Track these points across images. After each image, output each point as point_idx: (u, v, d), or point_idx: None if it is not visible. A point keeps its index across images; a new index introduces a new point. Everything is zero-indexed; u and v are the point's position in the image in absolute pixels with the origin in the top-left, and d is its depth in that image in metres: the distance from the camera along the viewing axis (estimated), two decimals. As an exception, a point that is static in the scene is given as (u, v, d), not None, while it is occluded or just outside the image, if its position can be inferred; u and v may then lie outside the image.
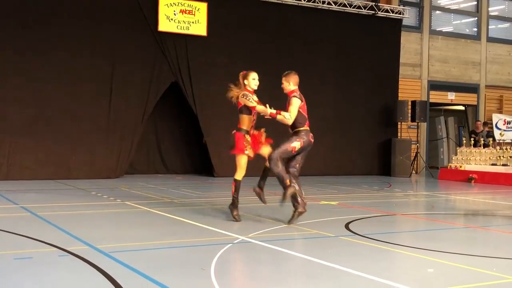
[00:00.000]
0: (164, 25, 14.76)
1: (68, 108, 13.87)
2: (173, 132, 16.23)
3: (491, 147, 16.20)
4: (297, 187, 7.26)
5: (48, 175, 13.47)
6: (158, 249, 5.82)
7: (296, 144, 7.23)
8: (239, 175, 7.42)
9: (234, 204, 7.54)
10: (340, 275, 4.96)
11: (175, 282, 4.56)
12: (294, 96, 7.26)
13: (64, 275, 4.75)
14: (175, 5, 14.89)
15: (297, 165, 7.46)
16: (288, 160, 7.39)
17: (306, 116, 7.36)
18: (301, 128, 7.32)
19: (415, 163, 18.38)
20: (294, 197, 7.26)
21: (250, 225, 7.31)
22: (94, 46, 14.14)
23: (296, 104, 7.22)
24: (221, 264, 5.14)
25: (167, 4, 14.78)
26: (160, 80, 14.88)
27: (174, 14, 14.85)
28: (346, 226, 7.36)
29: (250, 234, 6.63)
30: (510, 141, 15.89)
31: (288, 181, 7.14)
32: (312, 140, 7.39)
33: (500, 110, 21.09)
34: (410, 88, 19.41)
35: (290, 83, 7.35)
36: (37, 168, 13.50)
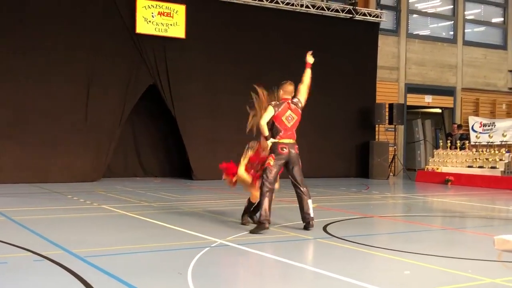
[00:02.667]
0: (142, 27, 14.66)
1: (45, 110, 13.70)
2: (151, 135, 16.10)
3: (467, 150, 16.38)
4: (266, 226, 6.99)
5: (24, 179, 13.28)
6: (135, 253, 5.79)
7: (268, 160, 7.21)
8: None
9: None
10: (317, 278, 4.98)
11: (151, 286, 4.54)
12: (269, 104, 7.30)
13: (40, 280, 4.70)
14: (153, 7, 14.80)
15: (294, 179, 7.29)
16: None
17: (287, 126, 7.23)
18: (273, 140, 7.21)
19: (393, 165, 18.52)
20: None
21: (228, 229, 7.31)
22: (72, 48, 13.99)
23: (268, 112, 7.21)
24: (198, 268, 5.12)
25: (145, 6, 14.69)
26: (138, 82, 14.77)
27: (152, 16, 14.78)
28: (324, 229, 7.39)
29: (228, 237, 6.63)
30: (486, 143, 16.08)
31: (266, 222, 6.98)
32: (287, 152, 7.18)
33: (476, 113, 21.33)
34: (388, 91, 19.56)
35: (280, 91, 7.44)
36: (12, 171, 13.30)
